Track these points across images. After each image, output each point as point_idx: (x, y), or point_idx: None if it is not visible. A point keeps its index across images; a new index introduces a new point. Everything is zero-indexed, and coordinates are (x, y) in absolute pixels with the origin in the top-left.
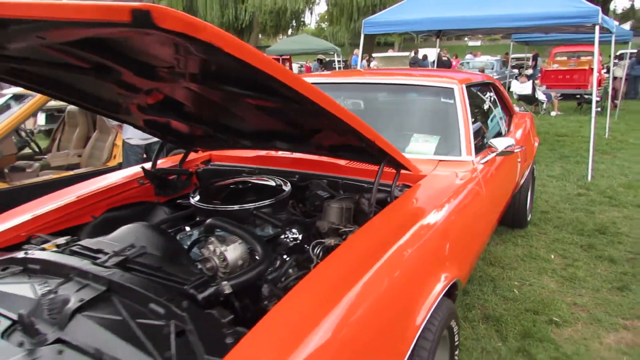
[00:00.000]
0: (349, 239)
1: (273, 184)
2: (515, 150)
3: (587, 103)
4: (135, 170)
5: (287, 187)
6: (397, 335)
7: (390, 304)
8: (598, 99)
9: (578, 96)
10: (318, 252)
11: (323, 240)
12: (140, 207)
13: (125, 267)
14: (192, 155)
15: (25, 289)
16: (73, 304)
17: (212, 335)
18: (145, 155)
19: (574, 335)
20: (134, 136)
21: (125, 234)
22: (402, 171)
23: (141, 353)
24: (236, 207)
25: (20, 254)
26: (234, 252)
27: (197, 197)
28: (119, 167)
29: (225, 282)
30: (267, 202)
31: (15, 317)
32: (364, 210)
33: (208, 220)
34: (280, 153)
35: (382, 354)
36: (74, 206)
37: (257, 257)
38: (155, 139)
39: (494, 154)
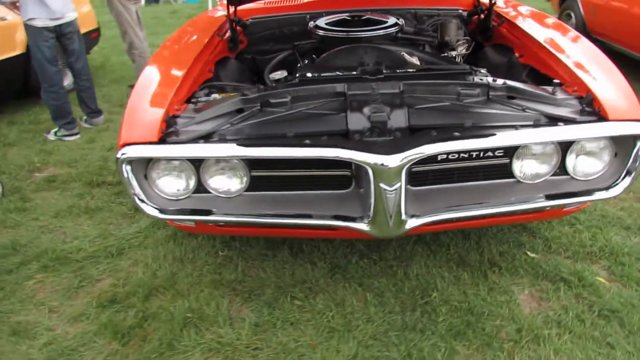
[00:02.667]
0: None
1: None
2: None
3: None
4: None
5: (400, 19)
6: None
7: None
8: None
9: None
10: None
11: (448, 53)
12: (234, 59)
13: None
14: None
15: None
16: (393, 106)
17: None
18: (57, 42)
19: None
20: (39, 16)
21: (342, 57)
22: None
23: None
24: (379, 31)
25: (250, 94)
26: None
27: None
28: None
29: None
30: (399, 27)
31: (341, 128)
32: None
33: (372, 46)
34: None
35: None
36: (198, 64)
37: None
38: (67, 19)
39: None
